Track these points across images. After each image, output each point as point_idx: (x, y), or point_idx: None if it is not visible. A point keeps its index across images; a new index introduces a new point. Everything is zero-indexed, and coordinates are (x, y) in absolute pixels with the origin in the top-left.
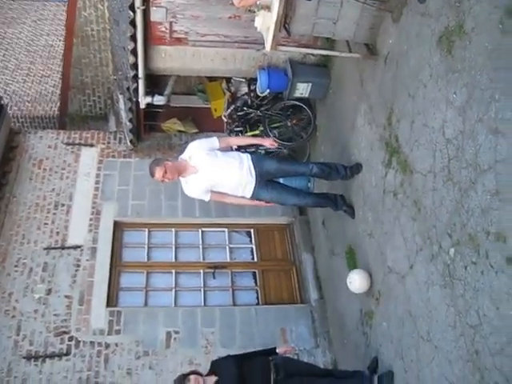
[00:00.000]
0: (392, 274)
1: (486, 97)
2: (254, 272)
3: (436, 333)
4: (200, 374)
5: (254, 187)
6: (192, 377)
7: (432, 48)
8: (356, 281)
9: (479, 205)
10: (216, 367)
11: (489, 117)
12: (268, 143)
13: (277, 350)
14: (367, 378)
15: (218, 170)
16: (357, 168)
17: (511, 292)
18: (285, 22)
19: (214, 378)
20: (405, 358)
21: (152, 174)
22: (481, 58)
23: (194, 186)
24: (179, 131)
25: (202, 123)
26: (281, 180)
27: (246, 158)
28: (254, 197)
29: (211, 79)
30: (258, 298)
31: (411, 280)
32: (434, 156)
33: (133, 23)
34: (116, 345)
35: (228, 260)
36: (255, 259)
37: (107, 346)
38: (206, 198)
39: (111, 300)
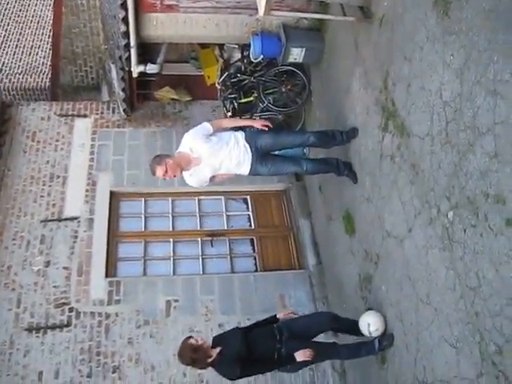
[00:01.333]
0: (390, 238)
1: (484, 58)
2: (252, 239)
3: (435, 296)
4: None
5: (251, 164)
6: (192, 340)
7: (428, 10)
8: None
9: (478, 167)
10: (221, 338)
11: (487, 78)
12: (259, 124)
13: (277, 316)
14: (370, 342)
15: (218, 154)
16: (353, 132)
17: (510, 254)
18: None
19: (217, 349)
20: (404, 321)
21: (153, 173)
22: (478, 18)
23: (199, 177)
24: (173, 99)
25: (196, 91)
26: (276, 151)
27: (241, 136)
28: (252, 173)
29: (204, 46)
30: (256, 264)
31: (410, 244)
32: (432, 119)
33: None
34: (116, 314)
35: (225, 228)
36: (252, 226)
37: (107, 316)
38: (206, 184)
39: (110, 270)
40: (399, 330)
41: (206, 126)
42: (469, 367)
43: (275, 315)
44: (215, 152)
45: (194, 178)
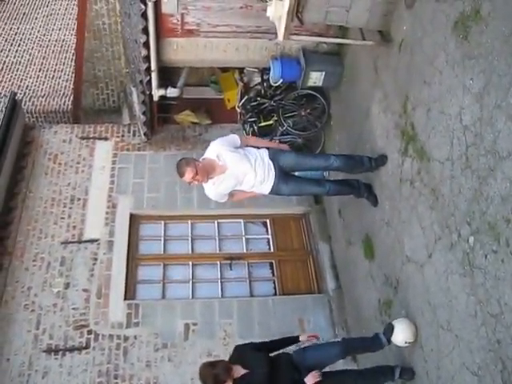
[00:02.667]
0: (410, 263)
1: (505, 83)
2: (271, 262)
3: (456, 322)
4: (228, 363)
5: (274, 181)
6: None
7: (447, 34)
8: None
9: (498, 193)
10: (243, 358)
11: (507, 103)
12: (284, 147)
13: (300, 338)
14: (389, 369)
15: (244, 165)
16: (382, 160)
17: None
18: (297, 11)
19: (242, 371)
20: (424, 347)
21: (181, 174)
22: (498, 42)
23: (220, 188)
24: (193, 123)
25: (216, 114)
26: (296, 172)
27: (265, 153)
28: (273, 191)
29: (224, 70)
30: (275, 288)
31: (430, 269)
32: (452, 143)
33: (144, 16)
34: (135, 337)
35: (244, 251)
36: (271, 249)
37: (126, 338)
38: (225, 199)
39: (129, 293)
40: (419, 356)
41: (235, 137)
42: None
43: (298, 336)
44: (241, 162)
45: (215, 189)
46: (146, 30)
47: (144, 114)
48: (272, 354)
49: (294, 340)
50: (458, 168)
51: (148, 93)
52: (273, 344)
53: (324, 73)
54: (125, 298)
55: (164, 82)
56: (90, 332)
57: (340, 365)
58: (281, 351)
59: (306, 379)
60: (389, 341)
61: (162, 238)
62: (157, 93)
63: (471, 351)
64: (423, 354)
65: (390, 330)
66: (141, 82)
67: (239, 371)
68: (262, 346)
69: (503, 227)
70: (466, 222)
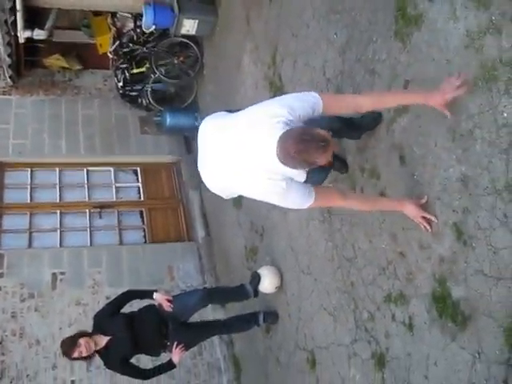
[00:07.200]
0: (275, 210)
1: (365, 38)
2: (141, 211)
3: (316, 267)
4: (88, 335)
5: None
6: (82, 340)
7: None
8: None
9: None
10: (104, 325)
11: (366, 57)
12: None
13: (154, 295)
14: (253, 316)
15: None
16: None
17: (383, 226)
18: None
19: (105, 338)
20: (287, 291)
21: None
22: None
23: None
24: (63, 68)
25: (87, 59)
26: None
27: None
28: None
29: (96, 14)
30: (145, 236)
31: (293, 216)
32: None
33: None
34: None
35: (114, 199)
36: (142, 198)
37: None
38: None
39: None
40: (282, 300)
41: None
42: (344, 334)
43: (153, 291)
44: None
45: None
46: None
47: (9, 56)
48: (135, 310)
49: (148, 295)
50: None
51: (13, 34)
52: (127, 296)
53: (197, 21)
54: None
55: (31, 24)
56: None
57: (210, 315)
58: (143, 305)
59: (172, 357)
60: (255, 291)
61: (29, 186)
62: (22, 34)
63: (328, 293)
64: (286, 297)
65: (256, 278)
66: (5, 21)
67: (102, 340)
68: (115, 307)
69: (359, 176)
70: None
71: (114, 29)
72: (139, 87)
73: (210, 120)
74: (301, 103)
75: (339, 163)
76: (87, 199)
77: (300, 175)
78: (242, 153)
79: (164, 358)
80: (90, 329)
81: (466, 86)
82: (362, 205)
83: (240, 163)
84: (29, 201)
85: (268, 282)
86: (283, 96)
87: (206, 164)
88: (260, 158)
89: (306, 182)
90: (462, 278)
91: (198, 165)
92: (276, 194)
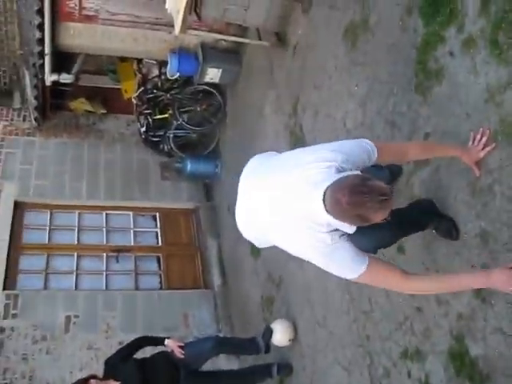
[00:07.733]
0: (293, 261)
1: (385, 90)
2: (158, 256)
3: (331, 319)
4: (99, 379)
5: None
6: (93, 382)
7: (338, 40)
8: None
9: None
10: (114, 370)
11: (387, 110)
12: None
13: (165, 342)
14: (267, 368)
15: None
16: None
17: None
18: (195, 6)
19: (116, 383)
20: (302, 343)
21: None
22: (381, 52)
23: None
24: (87, 111)
25: (112, 104)
26: None
27: None
28: None
29: (123, 60)
30: (161, 282)
31: (310, 267)
32: None
33: None
34: (12, 329)
35: (132, 244)
36: (160, 243)
37: (2, 330)
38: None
39: (8, 283)
40: (297, 352)
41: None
42: None
43: (164, 338)
44: None
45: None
46: (41, 12)
47: (36, 98)
48: (148, 356)
49: (160, 342)
50: None
51: (41, 77)
52: (140, 342)
53: (221, 70)
54: (4, 288)
55: (58, 67)
56: None
57: (223, 364)
58: (156, 351)
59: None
60: (267, 346)
61: (48, 228)
62: (49, 77)
63: (343, 346)
64: (301, 349)
65: (268, 333)
66: (34, 65)
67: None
68: (128, 352)
69: None
70: None
71: (140, 75)
72: (161, 133)
73: (256, 160)
74: (356, 149)
75: (445, 223)
76: (105, 242)
77: (349, 227)
78: (285, 198)
79: None
80: (100, 374)
81: (494, 143)
82: (433, 286)
83: (281, 210)
84: (47, 242)
85: (280, 336)
86: (335, 142)
87: (244, 207)
88: (302, 205)
89: (362, 245)
90: (480, 336)
91: (236, 207)
92: (316, 249)
